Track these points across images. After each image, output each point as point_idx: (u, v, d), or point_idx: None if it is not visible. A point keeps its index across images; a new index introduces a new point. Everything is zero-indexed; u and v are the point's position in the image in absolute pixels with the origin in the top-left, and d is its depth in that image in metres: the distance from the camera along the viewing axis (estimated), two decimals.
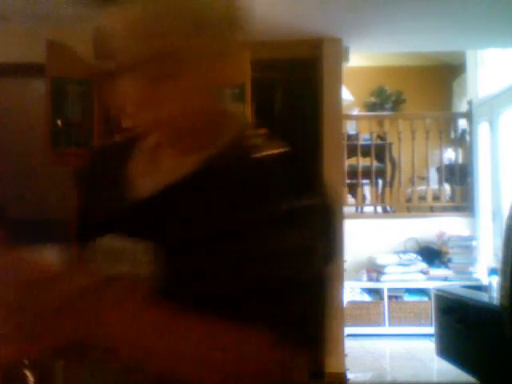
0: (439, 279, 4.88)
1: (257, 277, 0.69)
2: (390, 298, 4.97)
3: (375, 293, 5.01)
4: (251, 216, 0.70)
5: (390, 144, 5.59)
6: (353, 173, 5.35)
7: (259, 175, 0.74)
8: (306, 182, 0.75)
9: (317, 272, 0.71)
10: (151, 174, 0.81)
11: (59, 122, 3.09)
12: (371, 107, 6.89)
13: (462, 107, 6.07)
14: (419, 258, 5.10)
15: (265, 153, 0.76)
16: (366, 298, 4.99)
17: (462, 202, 5.47)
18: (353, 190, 5.38)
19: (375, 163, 5.52)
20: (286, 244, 0.69)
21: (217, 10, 0.73)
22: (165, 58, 0.69)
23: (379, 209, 5.63)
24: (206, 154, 0.77)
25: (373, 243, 5.04)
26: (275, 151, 0.77)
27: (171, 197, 0.76)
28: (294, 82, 3.96)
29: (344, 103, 4.44)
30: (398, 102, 6.92)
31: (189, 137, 0.78)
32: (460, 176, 5.52)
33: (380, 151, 5.59)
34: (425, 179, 5.66)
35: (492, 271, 3.15)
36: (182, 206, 0.75)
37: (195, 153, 0.78)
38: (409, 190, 5.60)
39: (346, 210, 5.23)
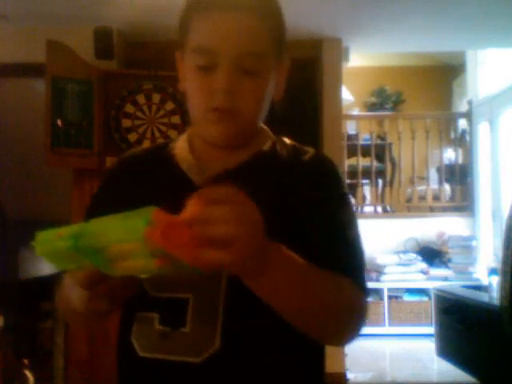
0: (439, 279, 4.88)
1: (348, 240, 0.85)
2: (389, 298, 4.97)
3: (375, 293, 5.00)
4: (322, 196, 0.87)
5: (390, 144, 5.59)
6: (353, 173, 5.35)
7: (319, 168, 0.91)
8: (338, 173, 0.94)
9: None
10: (205, 165, 0.91)
11: (59, 122, 3.08)
12: (371, 107, 6.89)
13: (462, 107, 6.07)
14: (419, 258, 5.10)
15: (311, 150, 0.93)
16: None
17: (462, 201, 5.47)
18: (353, 190, 5.36)
19: (375, 163, 5.53)
20: (350, 216, 0.88)
21: (286, 30, 0.94)
22: (256, 57, 0.86)
23: (379, 209, 5.63)
24: (256, 148, 0.92)
25: (373, 243, 5.03)
26: (313, 150, 0.94)
27: (236, 178, 0.87)
28: (294, 81, 3.95)
29: (344, 103, 4.45)
30: (397, 102, 6.92)
31: (245, 134, 0.91)
32: (460, 176, 5.52)
33: (380, 151, 5.59)
34: (425, 179, 5.66)
35: (492, 271, 3.14)
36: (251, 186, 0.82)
37: (243, 149, 0.91)
38: (409, 190, 5.60)
39: None
